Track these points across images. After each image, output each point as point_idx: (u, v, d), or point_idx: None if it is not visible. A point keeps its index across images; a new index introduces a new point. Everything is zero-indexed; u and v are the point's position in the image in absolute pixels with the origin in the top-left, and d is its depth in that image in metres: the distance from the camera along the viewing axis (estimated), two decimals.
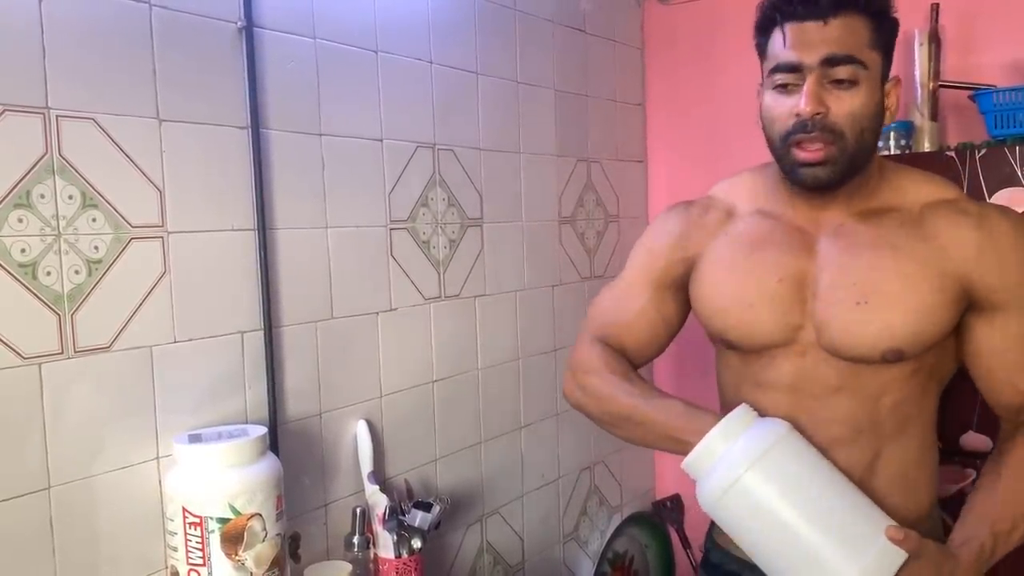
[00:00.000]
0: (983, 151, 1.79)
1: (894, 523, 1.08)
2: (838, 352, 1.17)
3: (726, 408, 1.32)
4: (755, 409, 1.18)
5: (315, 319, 1.54)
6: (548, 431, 2.13)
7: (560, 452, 2.17)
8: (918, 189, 1.20)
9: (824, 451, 1.16)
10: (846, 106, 1.11)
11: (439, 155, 1.80)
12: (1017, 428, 1.17)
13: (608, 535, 2.33)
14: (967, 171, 1.80)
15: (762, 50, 1.19)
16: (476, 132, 1.90)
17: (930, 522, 1.23)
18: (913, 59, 2.07)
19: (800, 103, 1.11)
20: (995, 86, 1.92)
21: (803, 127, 1.11)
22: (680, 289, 1.31)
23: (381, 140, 1.67)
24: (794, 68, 1.12)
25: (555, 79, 2.14)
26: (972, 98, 1.93)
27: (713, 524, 1.45)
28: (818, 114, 1.10)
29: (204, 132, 1.36)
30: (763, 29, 1.17)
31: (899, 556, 1.04)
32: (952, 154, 1.82)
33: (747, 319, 1.21)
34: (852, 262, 1.16)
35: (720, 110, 2.41)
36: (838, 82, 1.11)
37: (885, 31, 1.14)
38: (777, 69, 1.13)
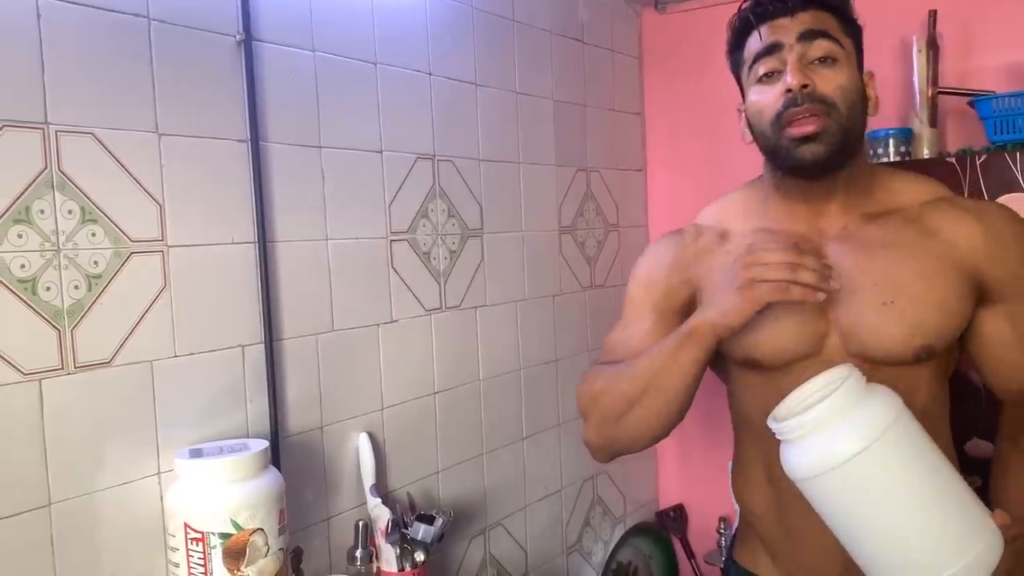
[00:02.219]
0: (983, 157, 1.79)
1: (997, 509, 1.05)
2: (869, 356, 1.15)
3: (747, 432, 1.29)
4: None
5: (316, 332, 1.54)
6: (550, 442, 2.12)
7: (563, 463, 2.16)
8: (912, 189, 1.22)
9: None
10: (832, 80, 1.12)
11: (439, 166, 1.80)
12: None
13: (612, 546, 2.32)
14: (967, 177, 1.80)
15: (737, 63, 1.21)
16: (475, 143, 1.90)
17: None
18: (911, 65, 2.07)
19: (786, 79, 1.12)
20: (994, 92, 1.92)
21: (793, 102, 1.11)
22: (685, 315, 1.23)
23: (381, 152, 1.67)
24: (773, 48, 1.14)
25: (553, 89, 2.14)
26: (971, 104, 1.93)
27: (735, 539, 1.42)
28: (805, 86, 1.11)
29: (203, 145, 1.36)
30: (737, 43, 1.20)
31: (1000, 545, 1.01)
32: (952, 160, 1.82)
33: (774, 333, 1.17)
34: (868, 263, 1.15)
35: (718, 118, 2.40)
36: (819, 61, 1.13)
37: (852, 28, 1.18)
38: (758, 56, 1.15)
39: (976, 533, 1.01)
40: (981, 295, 1.16)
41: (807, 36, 1.12)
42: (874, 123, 2.11)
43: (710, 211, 1.33)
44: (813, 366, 1.15)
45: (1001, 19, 2.08)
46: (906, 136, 2.04)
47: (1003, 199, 1.76)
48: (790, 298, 1.07)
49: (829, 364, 1.14)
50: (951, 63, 2.10)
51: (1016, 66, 2.03)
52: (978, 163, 1.79)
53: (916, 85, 2.06)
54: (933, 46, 2.04)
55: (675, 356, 1.15)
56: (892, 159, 2.02)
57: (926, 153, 2.04)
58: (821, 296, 1.06)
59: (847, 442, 1.00)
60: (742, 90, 1.23)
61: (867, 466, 1.00)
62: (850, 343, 1.16)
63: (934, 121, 2.05)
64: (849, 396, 1.03)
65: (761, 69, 1.15)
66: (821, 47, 1.12)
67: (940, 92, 2.04)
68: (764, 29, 1.15)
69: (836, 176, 1.17)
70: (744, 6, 1.19)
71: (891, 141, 2.03)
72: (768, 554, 1.30)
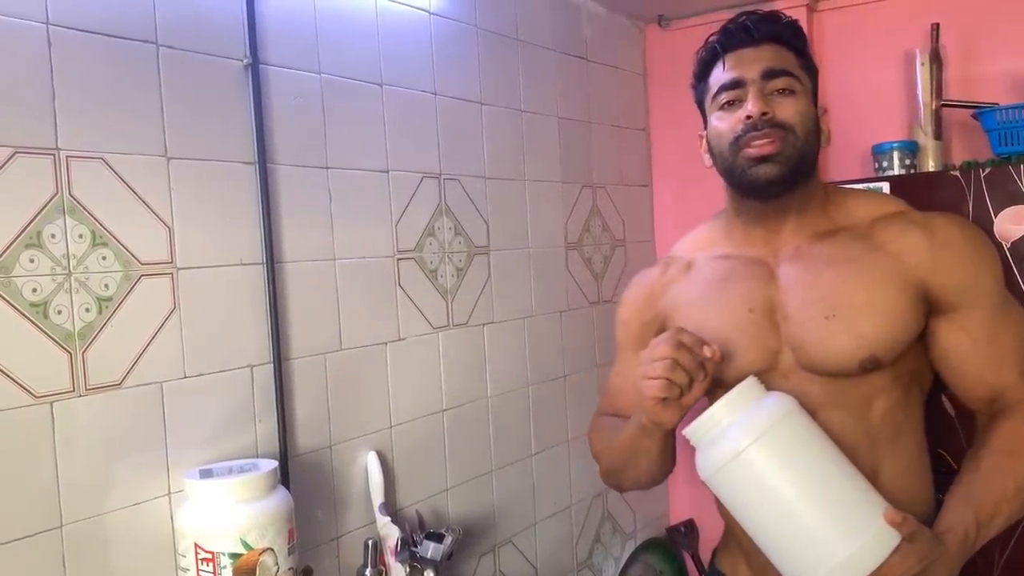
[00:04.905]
0: (987, 170, 1.78)
1: (891, 507, 1.08)
2: (818, 368, 1.20)
3: None
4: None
5: (324, 351, 1.55)
6: (560, 458, 2.12)
7: (572, 479, 2.16)
8: (864, 207, 1.27)
9: None
10: (790, 108, 1.21)
11: (445, 185, 1.81)
12: (992, 417, 1.20)
13: (622, 562, 2.31)
14: (972, 190, 1.79)
15: (702, 92, 1.30)
16: (481, 161, 1.91)
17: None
18: (915, 78, 2.08)
19: (748, 107, 1.20)
20: (998, 104, 1.92)
21: (752, 127, 1.20)
22: None
23: (387, 171, 1.68)
24: (737, 84, 1.22)
25: (558, 107, 2.16)
26: (976, 116, 1.93)
27: (717, 550, 1.45)
28: (765, 113, 1.19)
29: (212, 168, 1.37)
30: (703, 73, 1.30)
31: (894, 538, 1.05)
32: (956, 173, 1.82)
33: (727, 351, 1.23)
34: (815, 280, 1.22)
35: None
36: (779, 92, 1.22)
37: (810, 65, 1.27)
38: (722, 89, 1.24)
39: (864, 525, 1.06)
40: (933, 306, 1.20)
41: (769, 75, 1.21)
42: (879, 136, 2.13)
43: (682, 243, 1.43)
44: (770, 380, 1.21)
45: (1004, 31, 2.09)
46: (911, 149, 2.04)
47: (1006, 212, 1.76)
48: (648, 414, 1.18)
49: (786, 377, 1.22)
50: (955, 75, 2.11)
51: (1020, 77, 2.04)
52: (982, 176, 1.78)
53: (920, 98, 2.07)
54: (936, 59, 2.05)
55: (638, 441, 1.26)
56: (897, 172, 2.02)
57: (931, 165, 2.04)
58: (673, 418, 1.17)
59: (739, 437, 1.10)
60: (704, 117, 1.32)
61: (758, 458, 1.09)
62: (801, 357, 1.21)
63: (939, 133, 2.05)
64: (739, 400, 1.12)
65: (724, 98, 1.24)
66: (781, 82, 1.21)
67: (944, 105, 2.04)
68: (729, 59, 1.24)
69: (790, 198, 1.24)
70: (711, 38, 1.28)
71: (896, 154, 2.03)
72: (746, 562, 1.34)
